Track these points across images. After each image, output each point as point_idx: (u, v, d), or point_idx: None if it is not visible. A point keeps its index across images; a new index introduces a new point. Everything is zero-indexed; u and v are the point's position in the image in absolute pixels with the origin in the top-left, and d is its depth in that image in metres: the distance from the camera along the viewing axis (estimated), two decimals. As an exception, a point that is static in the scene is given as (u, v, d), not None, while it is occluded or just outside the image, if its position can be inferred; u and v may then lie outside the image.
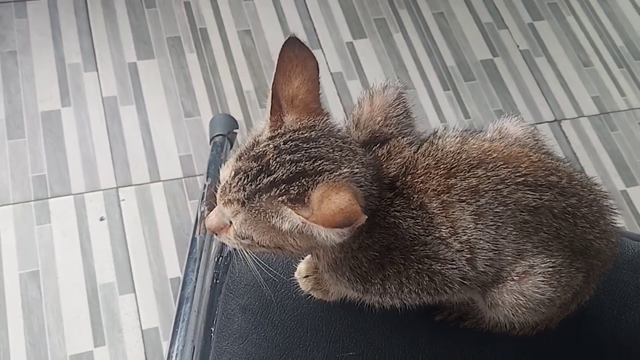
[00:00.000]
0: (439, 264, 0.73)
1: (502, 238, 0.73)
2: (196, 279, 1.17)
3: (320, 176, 0.66)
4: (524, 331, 0.88)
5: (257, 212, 0.68)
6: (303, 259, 0.92)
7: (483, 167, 0.73)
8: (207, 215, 1.30)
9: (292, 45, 0.71)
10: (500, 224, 0.72)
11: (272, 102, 0.72)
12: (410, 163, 0.75)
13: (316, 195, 0.65)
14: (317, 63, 0.72)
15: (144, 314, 1.56)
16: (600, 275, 0.85)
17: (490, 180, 0.72)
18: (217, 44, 2.00)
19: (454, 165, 0.73)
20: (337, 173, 0.67)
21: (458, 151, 0.74)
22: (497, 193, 0.72)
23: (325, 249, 0.76)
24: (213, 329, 0.93)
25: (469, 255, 0.73)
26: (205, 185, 1.24)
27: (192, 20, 2.03)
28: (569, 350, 0.92)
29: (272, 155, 0.69)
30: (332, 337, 0.90)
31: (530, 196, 0.73)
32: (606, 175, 1.94)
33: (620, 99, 2.11)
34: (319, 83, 0.72)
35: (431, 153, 0.75)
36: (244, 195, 0.68)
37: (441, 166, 0.73)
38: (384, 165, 0.75)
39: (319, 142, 0.70)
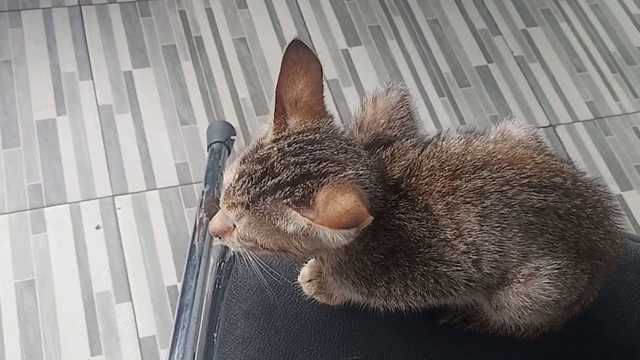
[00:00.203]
0: (445, 266, 0.73)
1: (508, 240, 0.73)
2: (195, 285, 1.16)
3: (325, 178, 0.66)
4: (528, 333, 0.88)
5: (261, 215, 0.68)
6: (306, 262, 0.92)
7: (488, 169, 0.73)
8: (205, 221, 1.30)
9: (295, 48, 0.71)
10: (505, 225, 0.72)
11: (275, 104, 0.71)
12: (414, 165, 0.75)
13: (321, 197, 0.65)
14: (320, 65, 0.72)
15: (140, 322, 1.55)
16: (604, 277, 0.85)
17: (495, 182, 0.72)
18: (213, 52, 2.00)
19: (459, 166, 0.73)
20: (342, 175, 0.67)
21: (463, 153, 0.74)
22: (502, 194, 0.72)
23: (330, 252, 0.76)
24: (215, 335, 0.92)
25: (474, 257, 0.73)
26: (203, 192, 1.23)
27: (187, 28, 2.03)
28: (573, 352, 0.92)
29: (277, 158, 0.68)
30: (336, 342, 0.89)
31: (535, 197, 0.73)
32: (601, 180, 1.94)
33: (614, 103, 2.13)
34: (322, 85, 0.72)
35: (436, 155, 0.75)
36: (248, 198, 0.68)
37: (446, 168, 0.73)
38: (388, 168, 0.75)
39: (324, 144, 0.69)
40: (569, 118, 2.07)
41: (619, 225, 0.82)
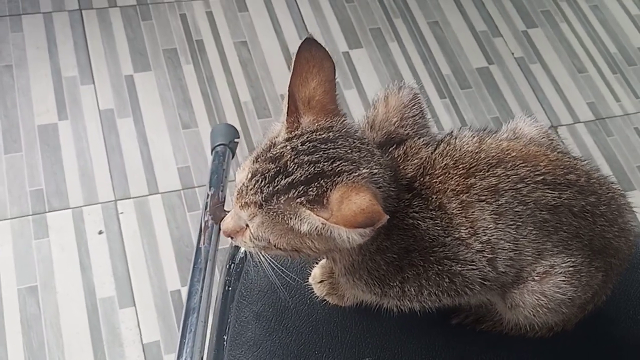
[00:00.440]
0: (459, 265, 0.73)
1: (523, 237, 0.72)
2: (202, 289, 1.15)
3: (339, 177, 0.66)
4: (540, 333, 0.88)
5: (274, 214, 0.67)
6: (317, 263, 0.91)
7: (502, 166, 0.72)
8: (210, 224, 1.29)
9: (308, 46, 0.71)
10: (520, 223, 0.72)
11: (288, 103, 0.71)
12: (427, 164, 0.74)
13: (335, 196, 0.64)
14: (333, 63, 0.71)
15: (144, 327, 1.54)
16: (618, 275, 0.84)
17: (509, 179, 0.72)
18: (214, 56, 2.00)
19: (473, 164, 0.73)
20: (356, 174, 0.66)
21: (476, 150, 0.74)
22: (517, 192, 0.72)
23: (342, 252, 0.75)
24: (226, 338, 0.92)
25: (489, 256, 0.72)
26: (208, 194, 1.22)
27: (188, 32, 2.03)
28: (586, 351, 0.91)
29: (290, 157, 0.68)
30: (348, 343, 0.89)
31: (549, 195, 0.72)
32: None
33: (616, 104, 2.13)
34: (335, 84, 0.72)
35: (449, 153, 0.74)
36: (262, 198, 0.67)
37: (460, 166, 0.73)
38: (401, 167, 0.75)
39: (337, 142, 0.69)
40: (570, 119, 2.07)
41: (632, 223, 0.82)
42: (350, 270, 0.78)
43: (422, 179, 0.74)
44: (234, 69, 1.98)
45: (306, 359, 0.88)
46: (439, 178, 0.73)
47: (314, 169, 0.66)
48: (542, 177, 0.73)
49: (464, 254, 0.72)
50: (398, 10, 2.22)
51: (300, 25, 2.11)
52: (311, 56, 0.71)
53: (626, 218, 0.80)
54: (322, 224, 0.64)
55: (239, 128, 1.86)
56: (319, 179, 0.66)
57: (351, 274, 0.78)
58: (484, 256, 0.72)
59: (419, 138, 0.78)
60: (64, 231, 1.64)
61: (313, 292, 0.91)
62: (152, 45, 1.97)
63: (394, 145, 0.77)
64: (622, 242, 0.79)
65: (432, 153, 0.75)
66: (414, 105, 0.80)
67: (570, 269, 0.74)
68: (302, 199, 0.65)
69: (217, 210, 1.28)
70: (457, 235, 0.72)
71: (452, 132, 0.78)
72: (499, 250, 0.72)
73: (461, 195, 0.72)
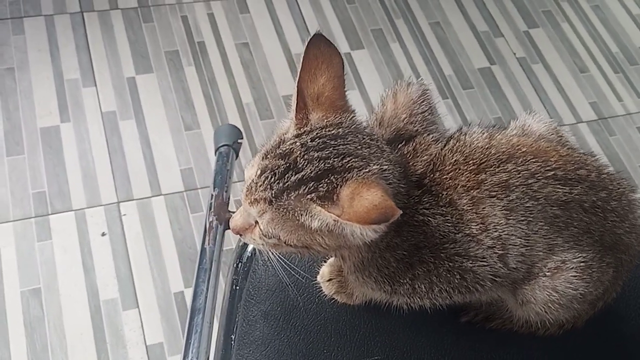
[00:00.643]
0: (470, 262, 0.72)
1: (534, 233, 0.72)
2: (207, 289, 1.15)
3: (349, 173, 0.65)
4: (550, 330, 0.87)
5: (285, 210, 0.67)
6: (326, 261, 0.91)
7: (513, 162, 0.72)
8: (215, 225, 1.29)
9: (317, 42, 0.70)
10: (531, 219, 0.72)
11: (297, 100, 0.70)
12: (437, 160, 0.74)
13: (346, 193, 0.64)
14: (342, 59, 0.71)
15: (148, 329, 1.54)
16: (628, 271, 0.84)
17: (520, 175, 0.71)
18: (216, 57, 1.99)
19: (484, 160, 0.72)
20: (367, 170, 0.66)
21: (487, 146, 0.73)
22: (528, 188, 0.71)
23: (351, 249, 0.75)
24: (233, 337, 0.91)
25: (500, 252, 0.72)
26: (212, 195, 1.22)
27: (190, 33, 2.02)
28: (596, 348, 0.91)
29: (300, 153, 0.68)
30: (357, 341, 0.88)
31: (560, 190, 0.72)
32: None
33: (618, 104, 2.13)
34: (344, 80, 0.71)
35: (459, 149, 0.74)
36: (272, 194, 0.67)
37: (470, 162, 0.73)
38: (411, 163, 0.75)
39: (347, 139, 0.69)
40: (572, 119, 2.07)
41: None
42: (359, 267, 0.78)
43: (432, 175, 0.74)
44: (236, 70, 1.98)
45: (315, 358, 0.88)
46: (449, 174, 0.73)
47: (324, 165, 0.66)
48: (553, 173, 0.72)
49: (475, 250, 0.72)
50: (399, 10, 2.22)
51: (301, 26, 2.11)
52: (320, 52, 0.71)
53: (637, 214, 0.80)
54: (334, 220, 0.63)
55: (241, 129, 1.86)
56: (329, 175, 0.65)
57: (360, 272, 0.78)
58: (495, 252, 0.72)
59: (428, 134, 0.78)
60: (67, 233, 1.64)
61: (321, 290, 0.91)
62: (154, 47, 1.97)
63: (403, 142, 0.77)
64: (633, 238, 0.79)
65: (441, 149, 0.75)
66: (423, 102, 0.80)
67: (582, 264, 0.74)
68: (313, 195, 0.65)
69: (221, 210, 1.27)
70: (467, 232, 0.72)
71: (461, 128, 0.78)
72: (510, 246, 0.72)
73: (472, 191, 0.71)
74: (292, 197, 0.66)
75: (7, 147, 1.73)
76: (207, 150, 1.81)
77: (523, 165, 0.72)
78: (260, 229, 0.71)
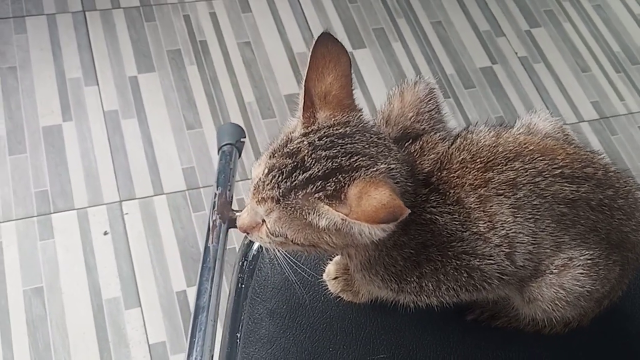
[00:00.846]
0: (478, 260, 0.73)
1: (541, 231, 0.72)
2: (211, 287, 1.15)
3: (357, 172, 0.65)
4: (556, 329, 0.88)
5: (292, 209, 0.67)
6: (332, 259, 0.91)
7: (520, 160, 0.72)
8: (219, 224, 1.29)
9: (325, 41, 0.70)
10: (538, 216, 0.72)
11: (304, 98, 0.70)
12: (445, 158, 0.74)
13: (353, 192, 0.64)
14: (349, 58, 0.71)
15: (150, 328, 1.54)
16: (634, 270, 0.84)
17: (527, 173, 0.72)
18: (218, 56, 1.99)
19: (491, 158, 0.72)
20: (374, 169, 0.66)
21: (494, 144, 0.74)
22: (535, 186, 0.71)
23: (358, 247, 0.75)
24: (239, 335, 0.91)
25: (507, 250, 0.72)
26: (215, 194, 1.22)
27: (192, 32, 2.02)
28: (601, 347, 0.91)
29: (307, 152, 0.68)
30: (363, 340, 0.88)
31: (567, 188, 0.72)
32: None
33: (619, 103, 2.13)
34: (351, 78, 0.71)
35: (466, 147, 0.74)
36: (279, 193, 0.67)
37: (477, 160, 0.73)
38: (418, 162, 0.75)
39: (354, 137, 0.69)
40: (574, 118, 2.07)
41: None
42: (366, 266, 0.78)
43: (439, 174, 0.74)
44: (238, 69, 1.98)
45: (320, 356, 0.88)
46: (457, 172, 0.73)
47: (331, 164, 0.66)
48: (559, 171, 0.72)
49: (482, 249, 0.72)
50: (401, 10, 2.22)
51: (303, 25, 2.11)
52: (327, 51, 0.70)
53: (644, 212, 0.80)
54: (342, 219, 0.63)
55: (243, 128, 1.86)
56: (337, 174, 0.65)
57: (367, 270, 0.78)
58: (502, 250, 0.72)
59: (435, 133, 0.78)
60: (69, 232, 1.64)
61: (327, 288, 0.91)
62: (156, 46, 1.97)
63: (410, 140, 0.77)
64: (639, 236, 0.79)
65: (449, 148, 0.75)
66: (430, 100, 0.80)
67: (589, 261, 0.74)
68: (320, 194, 0.65)
69: (224, 209, 1.27)
70: (475, 230, 0.72)
71: (468, 126, 0.78)
72: (518, 244, 0.72)
73: (479, 190, 0.72)
74: (299, 196, 0.66)
75: (9, 146, 1.73)
76: (209, 149, 1.81)
77: (530, 163, 0.72)
78: (267, 228, 0.71)
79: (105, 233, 1.65)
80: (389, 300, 0.85)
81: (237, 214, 1.09)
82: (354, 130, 0.70)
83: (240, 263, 0.97)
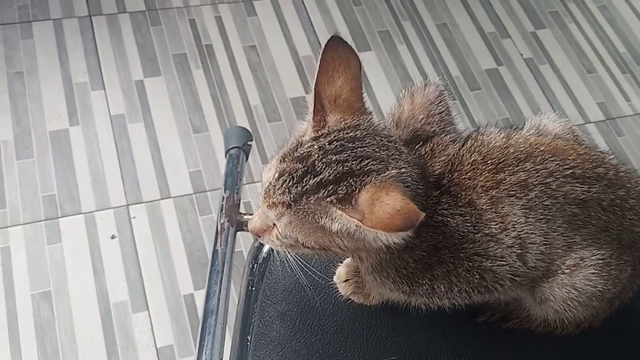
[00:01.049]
0: (490, 261, 0.72)
1: (553, 231, 0.72)
2: (219, 291, 1.15)
3: (368, 177, 0.65)
4: (567, 330, 0.87)
5: (304, 214, 0.67)
6: (342, 262, 0.91)
7: (531, 161, 0.72)
8: (227, 227, 1.29)
9: (335, 44, 0.70)
10: (550, 217, 0.72)
11: (314, 102, 0.70)
12: (455, 160, 0.74)
13: (364, 198, 0.64)
14: (359, 61, 0.71)
15: (158, 331, 1.54)
16: (645, 270, 0.84)
17: (539, 174, 0.71)
18: (223, 60, 2.00)
19: (502, 159, 0.72)
20: (385, 174, 0.66)
21: (505, 146, 0.74)
22: (546, 186, 0.71)
23: (369, 250, 0.75)
24: (249, 338, 0.91)
25: (519, 251, 0.72)
26: (223, 197, 1.22)
27: (198, 36, 2.03)
28: (613, 348, 0.91)
29: (318, 156, 0.67)
30: (373, 342, 0.88)
31: (579, 189, 0.72)
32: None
33: (626, 104, 2.13)
34: (361, 82, 0.71)
35: (477, 149, 0.74)
36: (290, 198, 0.67)
37: (488, 161, 0.73)
38: (428, 164, 0.75)
39: (365, 141, 0.68)
40: (580, 119, 2.07)
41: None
42: (377, 268, 0.78)
43: (450, 176, 0.74)
44: (244, 73, 1.98)
45: (331, 358, 0.88)
46: (468, 174, 0.73)
47: (342, 168, 0.66)
48: (571, 171, 0.72)
49: (494, 250, 0.72)
50: (406, 12, 2.22)
51: (308, 28, 2.11)
52: (337, 54, 0.70)
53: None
54: (357, 226, 0.63)
55: (250, 131, 1.86)
56: (348, 178, 0.65)
57: (378, 273, 0.78)
58: (514, 251, 0.72)
59: (446, 135, 0.78)
60: (77, 236, 1.64)
61: (338, 291, 0.91)
62: (162, 50, 1.98)
63: (421, 143, 0.77)
64: (651, 237, 0.79)
65: (459, 149, 0.75)
66: (440, 102, 0.80)
67: (600, 261, 0.74)
68: (332, 197, 0.65)
69: (232, 212, 1.27)
70: (487, 231, 0.72)
71: (478, 128, 0.78)
72: (530, 244, 0.72)
73: (491, 191, 0.71)
74: (311, 201, 0.66)
75: (16, 150, 1.74)
76: (216, 152, 1.81)
77: (541, 164, 0.72)
78: (278, 231, 0.71)
79: (113, 237, 1.65)
80: (399, 303, 0.85)
81: (245, 217, 1.09)
82: (364, 133, 0.69)
83: (251, 266, 0.97)
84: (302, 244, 0.70)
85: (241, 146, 1.46)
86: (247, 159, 1.51)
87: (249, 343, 0.91)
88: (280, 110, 1.92)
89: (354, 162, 0.66)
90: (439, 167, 0.74)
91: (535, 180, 0.71)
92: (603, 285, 0.75)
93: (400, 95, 0.82)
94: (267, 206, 0.69)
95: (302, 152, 0.69)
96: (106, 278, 1.59)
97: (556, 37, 2.26)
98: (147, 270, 1.62)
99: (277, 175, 0.69)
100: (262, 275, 0.94)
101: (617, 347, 0.91)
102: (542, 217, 0.71)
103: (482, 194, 0.72)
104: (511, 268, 0.73)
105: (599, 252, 0.74)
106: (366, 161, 0.66)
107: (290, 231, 0.69)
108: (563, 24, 2.30)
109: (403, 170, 0.68)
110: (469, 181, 0.72)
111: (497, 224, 0.71)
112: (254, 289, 0.94)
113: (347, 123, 0.70)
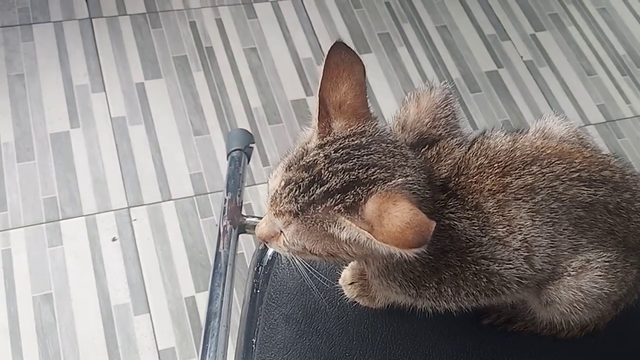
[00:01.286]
0: (497, 264, 0.73)
1: (559, 234, 0.72)
2: (222, 293, 1.15)
3: (374, 186, 0.65)
4: (572, 332, 0.88)
5: (311, 222, 0.66)
6: (347, 265, 0.91)
7: (538, 164, 0.72)
8: (229, 229, 1.29)
9: (338, 50, 0.70)
10: (556, 220, 0.72)
11: (319, 108, 0.69)
12: (462, 164, 0.74)
13: (372, 208, 0.63)
14: (363, 67, 0.71)
15: (159, 334, 1.54)
16: (650, 273, 0.84)
17: (545, 177, 0.72)
18: (224, 62, 2.00)
19: (509, 163, 0.73)
20: (391, 182, 0.65)
21: (511, 149, 0.74)
22: (553, 190, 0.72)
23: (377, 255, 0.74)
24: (254, 340, 0.91)
25: (526, 254, 0.72)
26: (225, 199, 1.22)
27: (198, 39, 2.03)
28: (617, 351, 0.91)
29: (324, 165, 0.67)
30: (379, 345, 0.88)
31: (585, 192, 0.72)
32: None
33: (625, 106, 2.13)
34: (365, 87, 0.71)
35: (483, 152, 0.74)
36: (297, 207, 0.66)
37: (495, 165, 0.73)
38: (435, 167, 0.75)
39: (371, 148, 0.68)
40: (580, 121, 2.07)
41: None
42: (383, 272, 0.78)
43: (456, 179, 0.74)
44: (244, 75, 1.99)
45: (337, 362, 0.88)
46: (475, 178, 0.73)
47: (348, 177, 0.66)
48: (577, 174, 0.73)
49: (501, 253, 0.72)
50: (406, 15, 2.22)
51: (309, 30, 2.11)
52: (341, 60, 0.70)
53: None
54: (368, 239, 0.63)
55: (251, 134, 1.86)
56: (355, 186, 0.65)
57: (385, 276, 0.78)
58: (521, 254, 0.72)
59: (452, 138, 0.78)
60: (78, 239, 1.64)
61: (343, 294, 0.91)
62: (163, 52, 1.98)
63: (427, 146, 0.77)
64: (657, 239, 0.79)
65: (465, 153, 0.75)
66: (446, 106, 0.80)
67: (606, 264, 0.75)
68: (340, 206, 0.64)
69: (235, 214, 1.28)
70: (494, 235, 0.72)
71: (484, 132, 0.78)
72: (536, 247, 0.72)
73: (497, 194, 0.72)
74: (319, 210, 0.65)
75: (17, 153, 1.74)
76: (217, 154, 1.81)
77: (548, 167, 0.72)
78: (285, 239, 0.70)
79: (114, 239, 1.65)
80: (405, 306, 0.85)
81: (247, 219, 1.09)
82: (369, 140, 0.69)
83: (255, 268, 0.97)
84: (310, 251, 0.70)
85: (243, 148, 1.46)
86: (249, 162, 1.51)
87: (254, 346, 0.91)
88: (280, 113, 1.92)
89: (360, 171, 0.66)
90: (445, 170, 0.74)
91: (542, 184, 0.71)
92: (609, 288, 0.75)
93: (406, 99, 0.82)
94: (274, 214, 0.69)
95: (307, 160, 0.68)
96: (107, 280, 1.59)
97: (556, 40, 2.26)
98: (148, 272, 1.62)
99: (283, 183, 0.68)
100: (267, 278, 0.94)
101: (622, 350, 0.91)
102: (548, 220, 0.72)
103: (489, 198, 0.72)
104: (518, 271, 0.73)
105: (605, 255, 0.75)
106: (372, 169, 0.66)
107: (298, 239, 0.69)
108: (563, 26, 2.31)
109: (409, 176, 0.67)
110: (475, 185, 0.73)
111: (504, 227, 0.71)
112: (258, 291, 0.94)
113: (352, 130, 0.69)
